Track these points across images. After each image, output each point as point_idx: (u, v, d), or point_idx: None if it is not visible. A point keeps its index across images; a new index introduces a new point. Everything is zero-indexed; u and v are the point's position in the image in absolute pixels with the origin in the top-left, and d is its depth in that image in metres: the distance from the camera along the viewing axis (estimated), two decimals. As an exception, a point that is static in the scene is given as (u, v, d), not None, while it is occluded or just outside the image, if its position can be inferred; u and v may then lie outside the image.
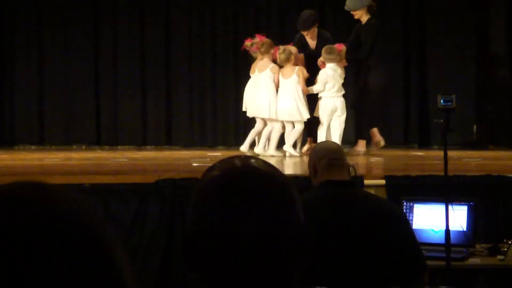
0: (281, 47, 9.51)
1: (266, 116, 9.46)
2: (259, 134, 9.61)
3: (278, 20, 12.12)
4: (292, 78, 9.41)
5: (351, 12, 9.84)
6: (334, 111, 9.36)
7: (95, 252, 0.92)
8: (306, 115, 9.39)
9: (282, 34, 11.26)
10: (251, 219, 1.43)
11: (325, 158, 3.96)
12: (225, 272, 1.44)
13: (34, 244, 0.88)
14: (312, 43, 9.89)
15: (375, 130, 9.90)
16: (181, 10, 12.12)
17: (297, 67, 9.46)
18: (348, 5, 9.84)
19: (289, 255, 1.46)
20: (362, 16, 9.78)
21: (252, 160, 1.52)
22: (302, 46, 9.87)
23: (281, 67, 9.49)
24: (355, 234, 3.64)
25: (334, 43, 9.56)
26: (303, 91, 9.41)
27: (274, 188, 1.48)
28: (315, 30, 9.88)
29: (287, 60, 9.41)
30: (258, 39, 9.63)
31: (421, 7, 12.21)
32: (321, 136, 9.22)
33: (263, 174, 1.49)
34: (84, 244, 0.91)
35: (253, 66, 9.66)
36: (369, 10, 9.77)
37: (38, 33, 12.09)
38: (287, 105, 9.37)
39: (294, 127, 9.44)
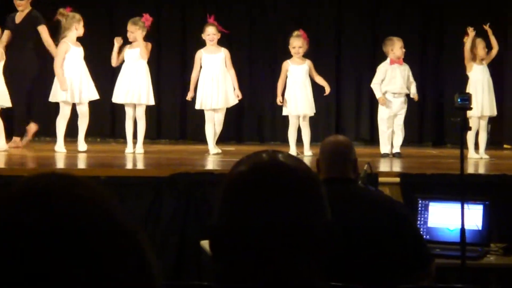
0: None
1: None
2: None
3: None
4: None
5: None
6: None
7: (126, 244, 0.92)
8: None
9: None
10: (278, 213, 1.45)
11: (326, 154, 3.92)
12: (251, 265, 1.45)
13: (63, 236, 0.87)
14: (18, 17, 9.62)
15: None
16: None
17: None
18: None
19: (315, 250, 1.47)
20: None
21: (280, 155, 1.53)
22: (9, 21, 9.62)
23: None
24: (353, 231, 3.64)
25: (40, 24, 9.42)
26: None
27: (301, 183, 1.49)
28: (27, 4, 9.61)
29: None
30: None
31: (438, 6, 12.19)
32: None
33: (290, 169, 1.50)
34: (115, 237, 0.91)
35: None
36: None
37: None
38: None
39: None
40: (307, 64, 9.47)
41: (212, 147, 9.37)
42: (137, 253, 0.92)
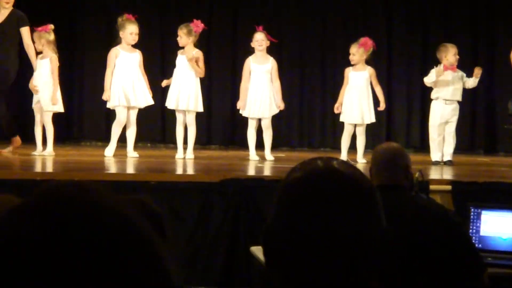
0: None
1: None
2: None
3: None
4: None
5: None
6: None
7: (136, 249, 0.92)
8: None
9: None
10: (333, 220, 1.44)
11: (379, 161, 3.93)
12: (305, 271, 1.45)
13: (78, 245, 0.88)
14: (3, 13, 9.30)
15: None
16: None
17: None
18: None
19: (369, 257, 1.46)
20: None
21: (335, 162, 1.53)
22: None
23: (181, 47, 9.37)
24: (404, 239, 3.60)
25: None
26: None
27: (356, 190, 1.48)
28: (12, 3, 9.28)
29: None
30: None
31: (490, 11, 12.07)
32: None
33: (345, 176, 1.49)
34: (131, 245, 0.91)
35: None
36: None
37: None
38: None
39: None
40: (367, 72, 9.37)
41: (254, 153, 9.39)
42: (154, 260, 0.93)
